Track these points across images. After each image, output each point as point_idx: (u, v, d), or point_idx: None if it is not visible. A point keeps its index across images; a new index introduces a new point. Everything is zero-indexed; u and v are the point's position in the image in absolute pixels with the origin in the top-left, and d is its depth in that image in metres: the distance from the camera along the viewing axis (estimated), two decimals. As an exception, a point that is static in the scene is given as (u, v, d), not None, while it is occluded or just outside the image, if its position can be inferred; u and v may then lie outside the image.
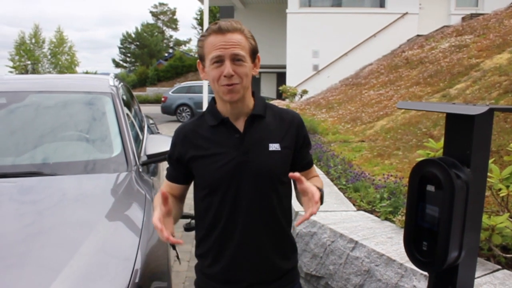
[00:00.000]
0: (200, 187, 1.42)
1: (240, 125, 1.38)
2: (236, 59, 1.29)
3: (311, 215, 1.18)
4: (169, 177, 1.48)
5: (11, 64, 39.20)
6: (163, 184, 1.52)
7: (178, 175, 1.47)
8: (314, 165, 1.65)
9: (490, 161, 2.03)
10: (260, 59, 1.43)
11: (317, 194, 1.21)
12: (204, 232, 1.44)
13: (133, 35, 47.76)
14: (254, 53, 1.36)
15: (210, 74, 1.32)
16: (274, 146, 1.38)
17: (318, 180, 1.52)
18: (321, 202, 1.32)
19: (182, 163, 1.42)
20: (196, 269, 1.53)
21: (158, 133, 4.71)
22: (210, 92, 12.88)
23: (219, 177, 1.36)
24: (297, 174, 1.23)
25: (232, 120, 1.38)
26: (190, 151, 1.39)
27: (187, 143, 1.40)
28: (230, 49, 1.28)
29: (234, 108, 1.37)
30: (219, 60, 1.29)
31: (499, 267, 1.94)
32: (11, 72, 37.09)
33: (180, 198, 1.52)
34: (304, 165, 1.50)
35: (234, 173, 1.35)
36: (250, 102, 1.40)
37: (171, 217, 1.26)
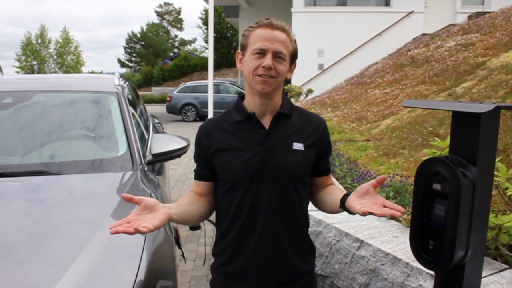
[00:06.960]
0: (221, 183, 1.40)
1: (266, 122, 1.38)
2: (277, 56, 1.31)
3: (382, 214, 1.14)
4: (196, 175, 1.46)
5: (17, 64, 39.57)
6: (192, 184, 1.49)
7: (204, 172, 1.44)
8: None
9: (497, 159, 2.02)
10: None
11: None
12: (223, 229, 1.42)
13: (138, 35, 47.86)
14: (293, 57, 1.41)
15: (249, 63, 1.33)
16: (298, 146, 1.37)
17: (337, 188, 1.48)
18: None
19: (206, 159, 1.41)
20: (212, 268, 1.50)
21: (164, 132, 4.72)
22: (216, 91, 12.85)
23: (241, 172, 1.34)
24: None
25: (258, 116, 1.38)
26: (213, 146, 1.39)
27: (210, 138, 1.40)
28: (275, 45, 1.31)
29: (262, 104, 1.37)
30: (262, 52, 1.31)
31: (506, 266, 1.93)
32: (17, 72, 37.36)
33: (210, 198, 1.46)
34: (323, 171, 1.48)
35: (256, 169, 1.34)
36: (278, 101, 1.41)
37: (160, 211, 1.19)
